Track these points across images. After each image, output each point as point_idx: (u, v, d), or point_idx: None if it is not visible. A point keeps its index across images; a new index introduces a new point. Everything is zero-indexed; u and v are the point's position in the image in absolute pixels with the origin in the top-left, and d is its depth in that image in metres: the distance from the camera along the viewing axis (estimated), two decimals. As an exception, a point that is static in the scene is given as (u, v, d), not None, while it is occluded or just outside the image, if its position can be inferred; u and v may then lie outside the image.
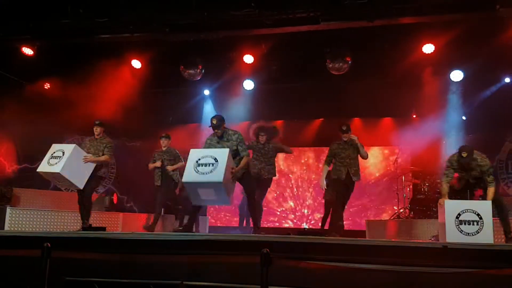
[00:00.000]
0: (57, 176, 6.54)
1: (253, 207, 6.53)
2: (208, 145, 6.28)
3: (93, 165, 6.86)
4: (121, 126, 10.45)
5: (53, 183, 8.07)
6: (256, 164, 7.77)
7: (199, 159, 5.84)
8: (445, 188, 6.13)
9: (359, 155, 6.99)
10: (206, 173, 5.70)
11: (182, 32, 8.01)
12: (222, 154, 5.82)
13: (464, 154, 5.89)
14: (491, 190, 5.96)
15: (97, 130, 7.16)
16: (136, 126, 10.42)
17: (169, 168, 8.13)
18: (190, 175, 5.73)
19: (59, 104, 9.80)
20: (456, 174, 6.22)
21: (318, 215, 11.33)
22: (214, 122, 6.13)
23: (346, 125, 6.95)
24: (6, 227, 6.96)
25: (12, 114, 8.76)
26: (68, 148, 6.64)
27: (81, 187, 6.73)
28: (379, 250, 4.74)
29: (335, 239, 4.86)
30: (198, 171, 5.75)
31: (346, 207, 7.33)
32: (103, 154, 7.03)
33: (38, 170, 6.59)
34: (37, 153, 8.63)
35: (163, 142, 8.33)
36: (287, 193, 11.82)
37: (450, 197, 6.05)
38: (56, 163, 6.47)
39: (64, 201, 9.17)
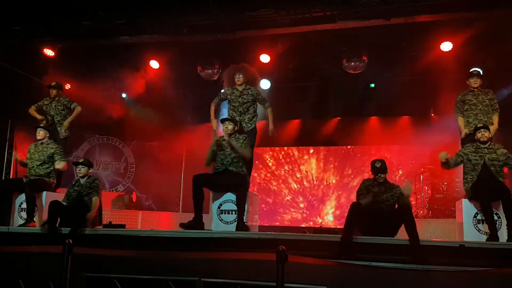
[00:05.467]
0: None
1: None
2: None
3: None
4: (140, 125, 10.58)
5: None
6: None
7: (221, 205, 5.91)
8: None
9: None
10: (231, 222, 5.79)
11: (199, 33, 8.08)
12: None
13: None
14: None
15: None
16: (154, 125, 10.53)
17: None
18: (217, 225, 5.82)
19: (80, 105, 9.97)
20: None
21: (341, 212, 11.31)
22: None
23: None
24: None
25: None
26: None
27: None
28: (396, 248, 4.75)
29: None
30: (222, 219, 5.85)
31: None
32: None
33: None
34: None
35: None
36: (303, 192, 11.81)
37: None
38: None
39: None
